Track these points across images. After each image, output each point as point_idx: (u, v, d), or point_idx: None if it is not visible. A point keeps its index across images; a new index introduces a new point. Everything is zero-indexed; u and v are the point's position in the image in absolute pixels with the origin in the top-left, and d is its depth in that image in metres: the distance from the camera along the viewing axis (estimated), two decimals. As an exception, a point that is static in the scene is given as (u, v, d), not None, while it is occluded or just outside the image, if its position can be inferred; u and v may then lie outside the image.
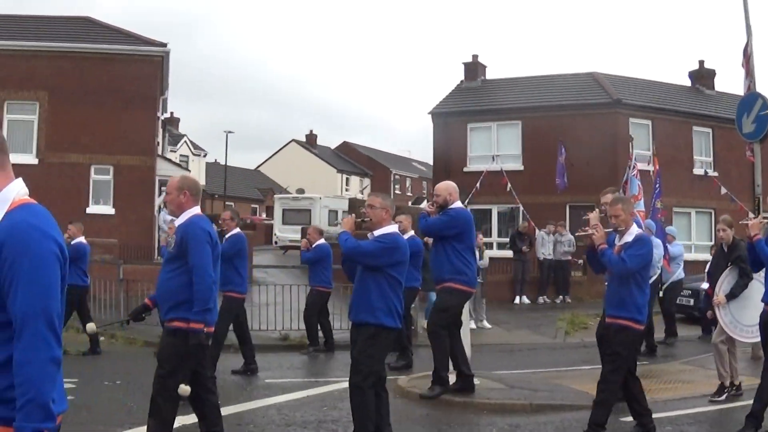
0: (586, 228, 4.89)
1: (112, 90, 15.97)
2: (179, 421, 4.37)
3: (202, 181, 38.20)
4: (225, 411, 4.67)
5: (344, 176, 49.75)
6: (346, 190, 47.03)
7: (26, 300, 1.70)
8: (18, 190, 1.85)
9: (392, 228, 4.57)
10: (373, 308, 4.38)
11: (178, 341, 4.01)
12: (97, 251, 11.28)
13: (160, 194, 16.74)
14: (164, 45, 16.99)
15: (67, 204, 13.60)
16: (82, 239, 8.48)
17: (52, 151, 15.74)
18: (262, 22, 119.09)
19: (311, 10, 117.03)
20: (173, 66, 18.19)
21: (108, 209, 15.78)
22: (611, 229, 4.83)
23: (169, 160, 20.10)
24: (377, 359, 4.50)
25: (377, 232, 4.50)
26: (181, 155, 36.06)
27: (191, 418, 4.53)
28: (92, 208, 15.66)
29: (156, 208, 16.69)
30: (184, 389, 4.07)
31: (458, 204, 6.07)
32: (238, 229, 7.11)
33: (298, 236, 18.58)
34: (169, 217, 15.18)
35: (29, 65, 15.97)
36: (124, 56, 16.54)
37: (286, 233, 24.76)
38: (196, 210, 4.22)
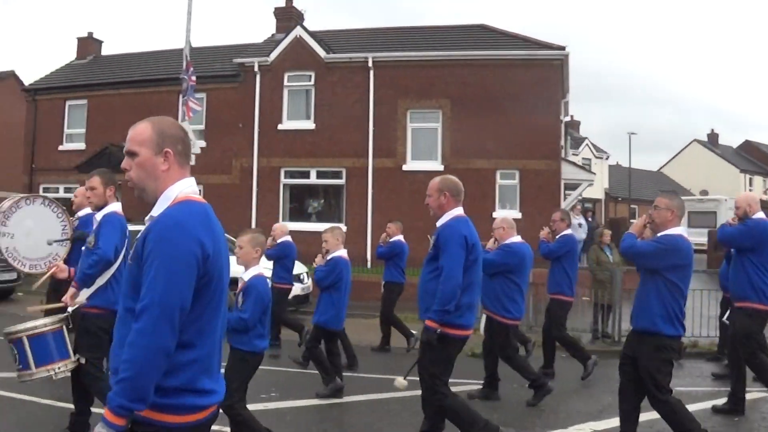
0: None
1: (513, 95, 16.22)
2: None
3: (605, 184, 36.65)
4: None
5: (747, 176, 47.48)
6: (749, 190, 44.30)
7: (151, 287, 1.86)
8: (183, 188, 2.02)
9: (677, 230, 4.40)
10: (653, 315, 4.27)
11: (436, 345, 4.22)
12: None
13: (565, 198, 16.70)
14: (563, 48, 16.84)
15: (473, 209, 13.35)
16: (399, 237, 8.86)
17: (456, 158, 16.38)
18: (653, 25, 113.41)
19: (704, 11, 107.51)
20: (570, 69, 17.90)
21: (515, 213, 15.78)
22: None
23: (573, 163, 19.90)
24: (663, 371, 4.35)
25: (660, 234, 4.38)
26: (583, 158, 35.48)
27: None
28: (498, 212, 15.88)
29: (562, 212, 15.97)
30: (401, 382, 4.45)
31: (760, 215, 5.75)
32: (569, 230, 7.33)
33: (704, 240, 17.84)
34: (576, 221, 13.48)
35: (430, 74, 16.92)
36: (523, 61, 16.63)
37: (691, 237, 22.51)
38: (458, 211, 4.30)
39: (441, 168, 16.03)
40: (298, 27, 18.47)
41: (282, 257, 8.71)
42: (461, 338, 4.29)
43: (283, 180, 18.31)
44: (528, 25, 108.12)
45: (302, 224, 16.83)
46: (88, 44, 23.73)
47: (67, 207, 5.99)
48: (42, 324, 4.06)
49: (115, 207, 4.58)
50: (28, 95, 22.02)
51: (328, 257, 6.49)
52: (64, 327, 4.15)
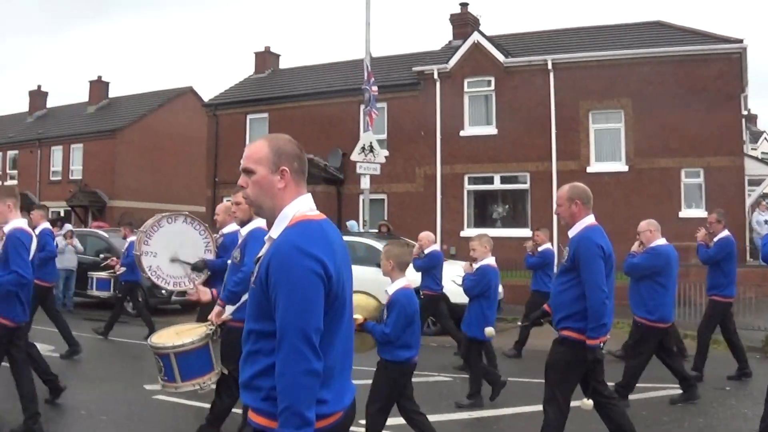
0: None
1: (693, 91, 18.88)
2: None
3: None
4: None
5: None
6: None
7: (284, 316, 2.22)
8: (300, 207, 2.42)
9: None
10: None
11: (567, 350, 4.88)
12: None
13: (748, 195, 19.15)
14: (740, 41, 19.26)
15: (658, 209, 16.92)
16: (548, 246, 10.72)
17: (640, 157, 19.50)
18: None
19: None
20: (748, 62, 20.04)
21: (700, 212, 18.03)
22: None
23: (755, 158, 21.99)
24: None
25: None
26: (762, 152, 37.21)
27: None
28: (684, 212, 18.79)
29: (747, 208, 18.97)
30: (586, 404, 4.99)
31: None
32: (726, 232, 8.54)
33: None
34: (762, 218, 17.21)
35: (610, 74, 20.10)
36: (701, 56, 19.26)
37: None
38: (589, 220, 4.98)
39: (625, 169, 19.44)
40: (476, 32, 22.30)
41: (431, 267, 10.21)
42: (594, 345, 4.93)
43: (467, 186, 22.06)
44: (703, 19, 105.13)
45: (487, 230, 19.34)
46: (266, 58, 29.49)
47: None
48: (190, 342, 4.80)
49: (262, 222, 5.03)
50: (209, 110, 27.44)
51: (476, 265, 7.56)
52: (210, 342, 4.90)
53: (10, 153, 37.47)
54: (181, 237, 6.76)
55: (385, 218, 21.15)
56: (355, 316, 4.80)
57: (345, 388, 2.45)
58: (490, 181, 22.06)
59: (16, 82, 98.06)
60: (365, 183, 17.54)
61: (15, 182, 35.77)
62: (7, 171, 37.53)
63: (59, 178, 34.79)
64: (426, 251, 10.27)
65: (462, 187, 22.23)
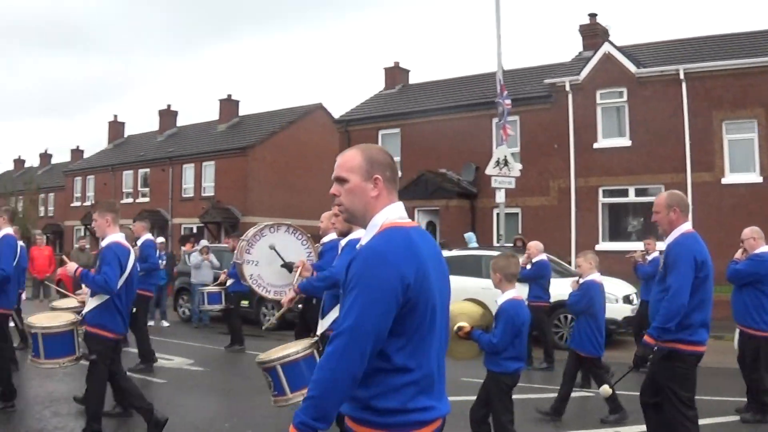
0: None
1: None
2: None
3: None
4: None
5: None
6: None
7: (346, 316, 2.59)
8: (389, 215, 2.80)
9: None
10: None
11: (680, 364, 5.49)
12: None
13: None
14: None
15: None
16: (655, 254, 11.57)
17: None
18: None
19: None
20: None
21: None
22: None
23: None
24: None
25: None
26: None
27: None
28: None
29: None
30: (606, 390, 6.20)
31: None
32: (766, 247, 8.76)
33: None
34: None
35: (743, 83, 22.21)
36: None
37: None
38: (686, 227, 5.62)
39: (760, 180, 21.57)
40: (606, 43, 25.08)
41: (538, 277, 11.38)
42: (694, 354, 5.52)
43: (602, 199, 24.62)
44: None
45: (622, 244, 22.38)
46: (395, 74, 33.65)
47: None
48: (294, 351, 5.42)
49: (362, 233, 5.37)
50: (341, 126, 31.45)
51: (581, 281, 8.37)
52: (315, 351, 5.47)
53: (142, 171, 43.49)
54: (283, 246, 7.60)
55: (520, 232, 23.51)
56: (460, 324, 5.57)
57: (443, 396, 2.80)
58: (625, 193, 24.56)
59: (145, 102, 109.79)
60: (500, 197, 19.54)
61: (147, 199, 41.90)
62: (139, 189, 43.52)
63: (191, 195, 40.20)
64: (534, 260, 11.79)
65: (596, 200, 24.86)
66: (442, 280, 2.86)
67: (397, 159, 28.37)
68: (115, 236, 6.84)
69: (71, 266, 6.97)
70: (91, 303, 6.74)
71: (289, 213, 36.18)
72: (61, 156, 64.03)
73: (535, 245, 12.15)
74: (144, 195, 43.45)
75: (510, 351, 5.79)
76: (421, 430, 2.69)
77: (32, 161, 66.22)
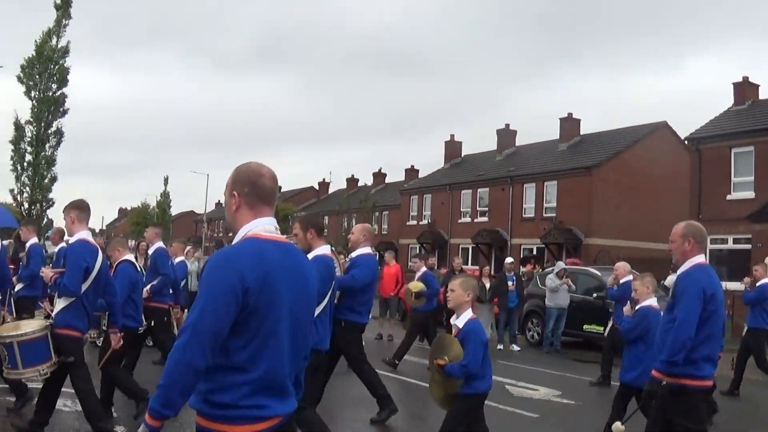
0: None
1: None
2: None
3: None
4: None
5: None
6: None
7: (192, 311, 3.03)
8: (253, 227, 3.24)
9: None
10: None
11: (690, 398, 5.72)
12: None
13: None
14: None
15: None
16: (766, 280, 12.08)
17: None
18: None
19: None
20: None
21: None
22: None
23: None
24: None
25: None
26: None
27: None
28: None
29: None
30: (618, 428, 6.22)
31: None
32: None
33: None
34: None
35: None
36: None
37: None
38: (699, 259, 5.78)
39: None
40: None
41: (622, 298, 11.43)
42: (701, 389, 5.74)
43: None
44: None
45: None
46: (745, 89, 33.95)
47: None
48: (32, 331, 6.55)
49: (324, 250, 6.88)
50: (691, 144, 32.00)
51: (636, 307, 8.04)
52: (48, 333, 6.41)
53: (481, 190, 46.57)
54: None
55: None
56: (437, 361, 6.05)
57: (289, 398, 3.23)
58: None
59: (480, 123, 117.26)
60: None
61: (485, 219, 44.78)
62: (478, 208, 46.59)
63: (532, 215, 42.41)
64: (621, 281, 12.23)
65: None
66: (298, 292, 3.25)
67: (749, 179, 29.17)
68: (80, 234, 7.05)
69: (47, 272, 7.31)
70: (60, 304, 7.02)
71: (633, 235, 37.67)
72: (394, 175, 68.07)
73: (622, 266, 12.48)
74: (482, 214, 46.10)
75: (480, 371, 6.00)
76: (253, 425, 3.07)
77: (365, 180, 71.35)
